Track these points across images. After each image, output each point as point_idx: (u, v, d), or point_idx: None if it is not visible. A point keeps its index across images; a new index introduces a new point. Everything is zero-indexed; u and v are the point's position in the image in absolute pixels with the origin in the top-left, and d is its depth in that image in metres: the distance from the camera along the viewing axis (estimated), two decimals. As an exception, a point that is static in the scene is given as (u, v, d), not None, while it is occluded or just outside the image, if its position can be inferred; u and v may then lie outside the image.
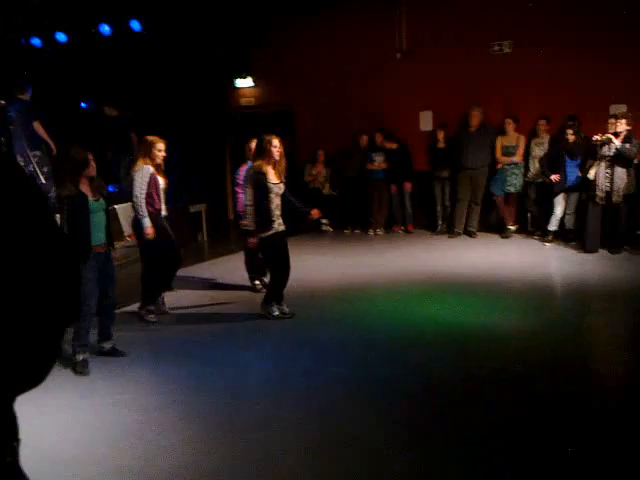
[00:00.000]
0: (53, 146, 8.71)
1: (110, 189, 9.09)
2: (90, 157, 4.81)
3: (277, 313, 5.97)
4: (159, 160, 5.97)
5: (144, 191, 5.83)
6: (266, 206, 5.66)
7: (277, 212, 5.76)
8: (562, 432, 3.64)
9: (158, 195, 5.95)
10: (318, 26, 11.08)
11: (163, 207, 6.08)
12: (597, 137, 7.88)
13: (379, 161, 10.27)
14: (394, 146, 10.24)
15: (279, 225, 5.79)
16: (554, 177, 8.68)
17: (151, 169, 5.90)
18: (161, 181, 6.03)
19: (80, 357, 4.81)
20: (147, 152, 5.94)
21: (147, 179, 5.85)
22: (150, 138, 6.00)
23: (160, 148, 5.95)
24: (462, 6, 9.99)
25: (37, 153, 8.67)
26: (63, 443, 3.72)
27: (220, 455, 3.54)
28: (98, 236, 4.85)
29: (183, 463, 3.49)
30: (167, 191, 6.16)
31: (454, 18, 10.04)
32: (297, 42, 11.29)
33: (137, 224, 5.93)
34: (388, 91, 10.61)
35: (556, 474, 3.23)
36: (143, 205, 5.82)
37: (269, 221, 5.69)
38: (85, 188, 4.81)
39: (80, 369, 4.77)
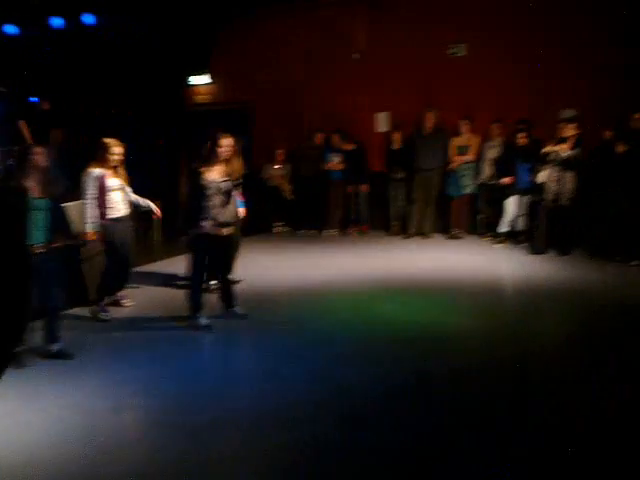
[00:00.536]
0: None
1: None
2: (36, 150, 4.70)
3: (205, 322, 5.69)
4: (114, 163, 5.97)
5: (90, 194, 5.90)
6: (198, 205, 5.52)
7: (216, 211, 5.58)
8: (504, 430, 3.72)
9: (105, 198, 5.93)
10: (276, 25, 11.04)
11: (121, 208, 6.09)
12: (547, 149, 8.08)
13: (336, 161, 10.30)
14: (351, 147, 10.28)
15: (211, 224, 5.59)
16: (506, 180, 8.85)
17: (97, 172, 5.90)
18: (117, 182, 6.01)
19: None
20: (101, 155, 5.94)
21: (93, 182, 5.89)
22: (106, 140, 5.99)
23: (115, 151, 5.94)
24: (418, 8, 10.08)
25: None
26: (9, 449, 3.64)
27: (171, 458, 3.51)
28: (36, 235, 4.73)
29: (134, 466, 3.45)
30: (127, 191, 6.17)
31: (410, 20, 10.13)
32: (256, 41, 11.23)
33: (102, 227, 5.99)
34: (345, 92, 10.65)
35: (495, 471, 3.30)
36: (89, 209, 5.90)
37: (199, 220, 5.52)
38: (32, 184, 4.69)
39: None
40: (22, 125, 8.62)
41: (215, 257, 5.79)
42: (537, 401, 4.18)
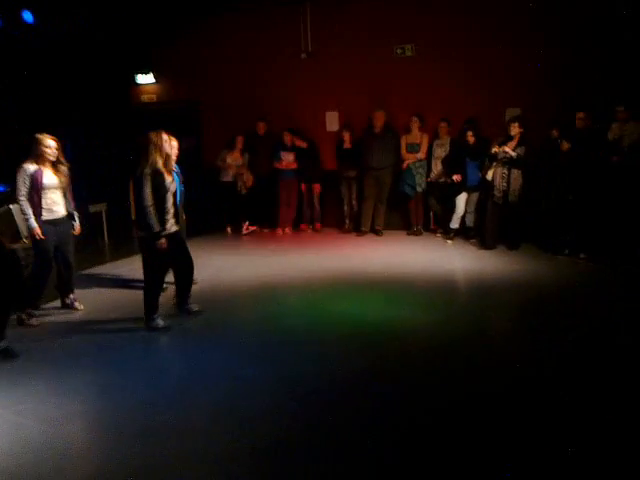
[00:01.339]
0: None
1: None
2: None
3: (163, 324, 5.61)
4: (50, 157, 5.75)
5: (23, 191, 5.68)
6: (161, 206, 5.42)
7: (172, 210, 5.54)
8: (461, 426, 3.77)
9: (39, 195, 5.72)
10: (223, 25, 10.94)
11: (59, 209, 5.89)
12: (495, 150, 8.26)
13: (288, 160, 10.25)
14: (304, 145, 10.26)
15: (171, 225, 5.56)
16: (456, 177, 9.01)
17: (32, 168, 5.70)
18: (54, 179, 5.80)
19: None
20: (34, 150, 5.73)
21: (26, 179, 5.68)
22: (37, 135, 5.79)
23: (48, 145, 5.73)
24: (366, 8, 10.15)
25: None
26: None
27: (133, 463, 3.42)
28: None
29: (95, 472, 3.35)
30: (68, 189, 5.97)
31: (358, 20, 10.19)
32: (202, 40, 11.10)
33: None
34: (294, 91, 10.65)
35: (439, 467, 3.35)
36: (25, 206, 5.69)
37: (162, 222, 5.42)
38: None
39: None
40: None
41: (177, 256, 5.73)
42: (488, 389, 4.25)
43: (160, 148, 5.44)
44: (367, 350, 5.00)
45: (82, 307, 6.32)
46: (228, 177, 10.50)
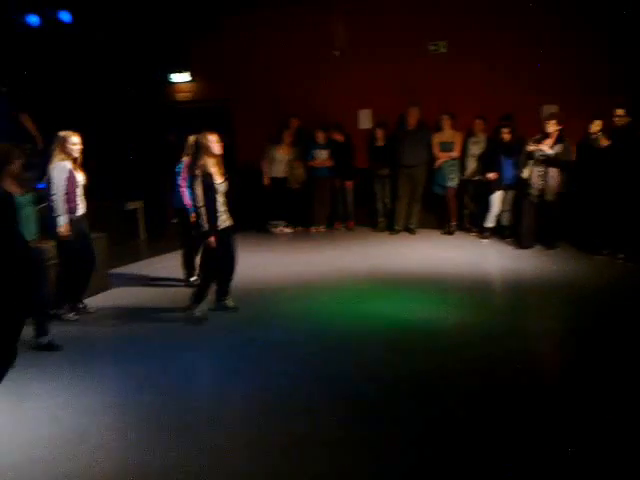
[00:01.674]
0: (40, 140, 8.38)
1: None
2: (16, 154, 4.64)
3: (199, 314, 5.78)
4: (76, 154, 5.79)
5: (63, 189, 5.67)
6: (214, 206, 5.56)
7: (222, 209, 5.67)
8: (500, 425, 3.70)
9: (75, 193, 5.77)
10: (256, 23, 10.96)
11: (82, 205, 5.91)
12: (531, 148, 8.12)
13: (322, 158, 10.21)
14: (342, 138, 10.19)
15: (222, 222, 5.70)
16: (491, 175, 8.88)
17: (69, 165, 5.73)
18: (80, 177, 5.85)
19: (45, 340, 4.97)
20: (62, 147, 5.74)
21: (66, 175, 5.69)
22: (62, 133, 5.81)
23: (74, 142, 5.76)
24: (399, 5, 10.07)
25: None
26: (3, 447, 3.55)
27: (166, 456, 3.44)
28: (29, 230, 4.76)
29: (128, 465, 3.39)
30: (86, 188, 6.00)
31: (392, 16, 10.12)
32: (236, 39, 11.13)
33: (53, 224, 5.72)
34: (327, 89, 10.61)
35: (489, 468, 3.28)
36: (61, 203, 5.67)
37: (215, 219, 5.59)
38: (7, 184, 4.65)
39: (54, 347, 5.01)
40: (25, 119, 8.54)
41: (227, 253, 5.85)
42: (525, 395, 4.17)
43: (208, 149, 5.54)
44: (399, 349, 4.95)
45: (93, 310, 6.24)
46: (278, 173, 10.33)
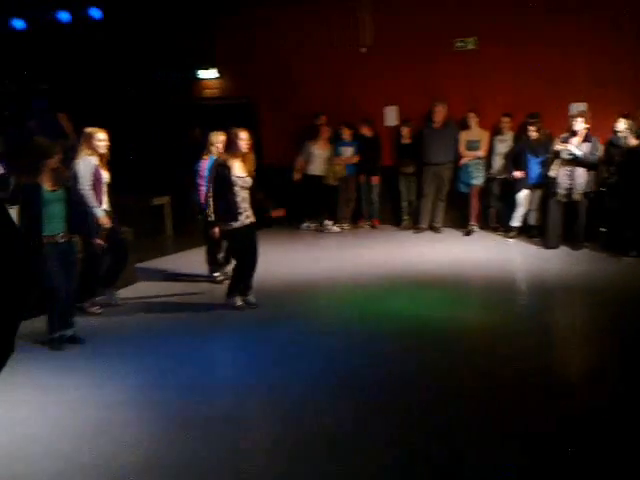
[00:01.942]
0: (74, 138, 8.59)
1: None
2: (54, 149, 4.78)
3: (240, 303, 6.00)
4: (102, 150, 5.85)
5: (89, 182, 5.74)
6: (230, 199, 5.62)
7: (244, 205, 5.72)
8: (522, 424, 3.68)
9: (99, 188, 5.84)
10: (284, 20, 10.96)
11: (105, 200, 5.97)
12: (559, 147, 8.01)
13: (348, 155, 10.13)
14: (370, 132, 10.12)
15: (246, 218, 5.76)
16: (517, 174, 8.79)
17: (94, 160, 5.80)
18: (104, 174, 5.92)
19: (56, 334, 5.00)
20: (88, 144, 5.83)
21: (91, 170, 5.76)
22: (89, 129, 5.90)
23: (101, 138, 5.83)
24: (426, 1, 10.01)
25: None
26: (26, 440, 3.64)
27: (185, 450, 3.49)
28: (54, 226, 4.85)
29: (148, 458, 3.44)
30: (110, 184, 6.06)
31: (418, 13, 10.03)
32: (263, 35, 11.15)
33: (81, 218, 5.70)
34: (352, 86, 10.56)
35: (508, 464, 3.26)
36: (91, 196, 5.73)
37: (234, 214, 5.66)
38: (45, 179, 4.78)
39: (56, 346, 4.97)
40: (62, 118, 8.70)
41: (245, 249, 5.92)
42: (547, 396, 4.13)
43: (233, 145, 5.65)
44: (420, 348, 4.95)
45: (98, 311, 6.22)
46: (315, 170, 10.09)
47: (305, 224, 10.35)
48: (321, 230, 10.10)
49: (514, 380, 4.33)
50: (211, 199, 5.68)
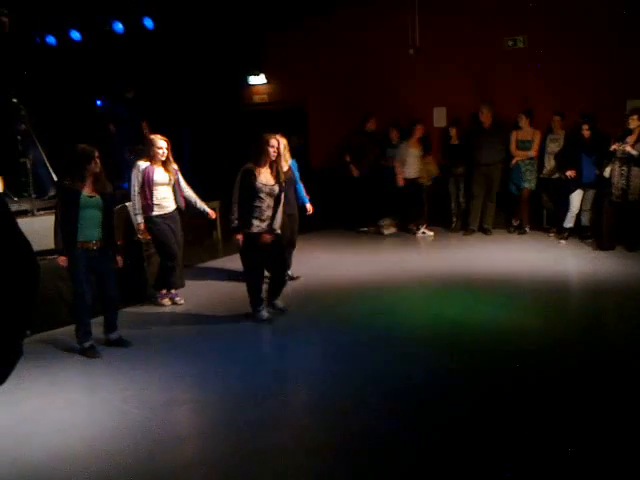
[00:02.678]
0: None
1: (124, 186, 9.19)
2: (95, 154, 4.90)
3: (267, 316, 5.78)
4: (161, 157, 6.10)
5: (136, 188, 6.07)
6: (250, 205, 5.53)
7: (267, 212, 5.62)
8: (569, 429, 3.59)
9: (150, 192, 6.07)
10: (332, 24, 10.99)
11: (168, 205, 6.18)
12: (614, 147, 7.77)
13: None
14: (423, 132, 9.90)
15: (257, 225, 5.60)
16: (570, 173, 8.56)
17: (143, 165, 6.08)
18: (165, 176, 6.14)
19: (87, 344, 5.03)
20: (148, 150, 6.16)
21: (139, 175, 6.07)
22: (151, 136, 6.28)
23: (160, 145, 6.08)
24: (475, 1, 9.86)
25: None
26: (68, 440, 3.73)
27: (225, 453, 3.53)
28: (88, 232, 4.93)
29: (187, 461, 3.49)
30: (176, 186, 6.27)
31: (468, 12, 9.92)
32: (311, 39, 11.22)
33: (147, 221, 6.16)
34: (402, 88, 10.52)
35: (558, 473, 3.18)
36: (135, 202, 6.09)
37: (247, 220, 5.56)
38: (89, 184, 4.92)
39: (90, 354, 5.00)
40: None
41: (266, 255, 5.74)
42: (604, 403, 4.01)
43: (262, 150, 5.57)
44: (464, 352, 4.88)
45: (181, 302, 6.53)
46: (410, 173, 9.69)
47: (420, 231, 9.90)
48: (414, 234, 9.83)
49: (566, 384, 4.23)
50: (235, 205, 5.56)
